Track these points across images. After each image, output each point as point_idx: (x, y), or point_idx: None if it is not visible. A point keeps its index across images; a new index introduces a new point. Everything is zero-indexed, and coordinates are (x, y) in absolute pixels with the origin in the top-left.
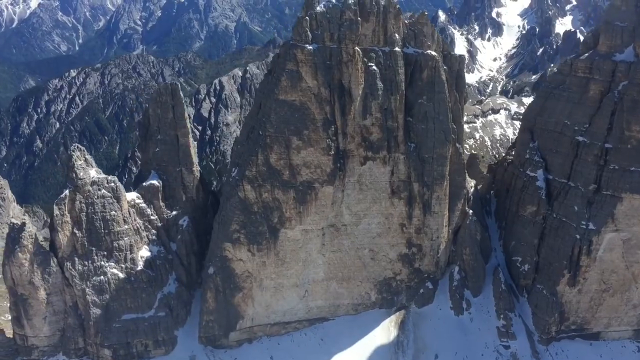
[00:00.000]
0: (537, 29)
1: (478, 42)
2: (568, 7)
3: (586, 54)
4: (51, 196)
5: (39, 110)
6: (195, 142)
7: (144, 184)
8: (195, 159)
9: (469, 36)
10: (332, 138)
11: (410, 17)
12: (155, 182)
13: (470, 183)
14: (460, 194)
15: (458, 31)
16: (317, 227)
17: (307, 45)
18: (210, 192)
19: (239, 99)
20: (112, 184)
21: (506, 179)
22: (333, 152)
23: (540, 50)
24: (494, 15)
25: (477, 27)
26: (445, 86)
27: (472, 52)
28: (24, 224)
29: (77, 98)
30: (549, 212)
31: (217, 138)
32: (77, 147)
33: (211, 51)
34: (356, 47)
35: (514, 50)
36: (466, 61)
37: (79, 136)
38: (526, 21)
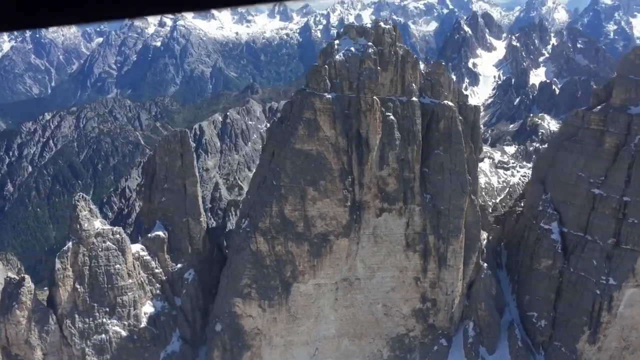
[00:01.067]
0: (513, 80)
1: None
2: (541, 59)
3: (599, 107)
4: (21, 242)
5: (10, 154)
6: None
7: (150, 235)
8: (202, 209)
9: None
10: (349, 189)
11: (426, 67)
12: (160, 233)
13: (483, 235)
14: (474, 247)
15: None
16: (331, 281)
17: (326, 94)
18: (217, 244)
19: (219, 144)
20: (118, 236)
21: (517, 231)
22: (349, 204)
23: (517, 100)
24: (470, 65)
25: (454, 77)
26: (462, 137)
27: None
28: (22, 278)
29: (51, 141)
30: (565, 267)
31: None
32: (82, 196)
33: (186, 96)
34: (375, 97)
35: (491, 99)
36: None
37: (52, 180)
38: (501, 72)
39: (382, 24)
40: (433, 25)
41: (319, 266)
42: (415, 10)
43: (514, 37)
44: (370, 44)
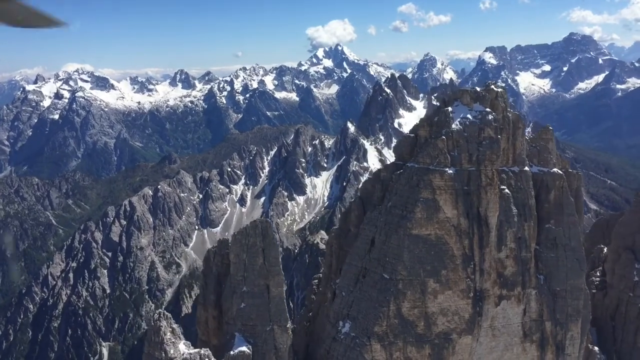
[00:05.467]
0: None
1: (386, 152)
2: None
3: None
4: None
5: None
6: (105, 271)
7: (232, 352)
8: (287, 314)
9: (377, 146)
10: (471, 277)
11: (531, 132)
12: (245, 349)
13: None
14: (585, 329)
15: (367, 141)
16: None
17: (447, 169)
18: (306, 353)
19: (151, 219)
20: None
21: (607, 305)
22: (472, 294)
23: None
24: (396, 125)
25: (382, 137)
26: (574, 208)
27: (383, 161)
28: None
29: None
30: None
31: (131, 264)
32: (164, 314)
33: (90, 169)
34: (494, 169)
35: None
36: None
37: None
38: None
39: (493, 87)
40: (334, 88)
41: None
42: (316, 75)
43: (433, 97)
44: (488, 109)
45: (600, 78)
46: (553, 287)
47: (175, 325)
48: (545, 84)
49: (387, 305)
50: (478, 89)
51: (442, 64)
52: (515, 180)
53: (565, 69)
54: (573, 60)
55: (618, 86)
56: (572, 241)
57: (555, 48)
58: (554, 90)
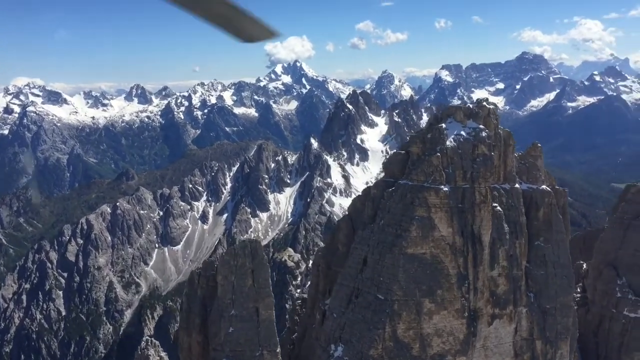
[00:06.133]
0: None
1: (349, 167)
2: None
3: None
4: None
5: None
6: (61, 292)
7: None
8: (277, 338)
9: (340, 162)
10: (466, 296)
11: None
12: None
13: None
14: (572, 347)
15: (330, 157)
16: None
17: (443, 187)
18: None
19: (109, 238)
20: None
21: (590, 321)
22: (466, 314)
23: None
24: (358, 141)
25: (345, 153)
26: (563, 225)
27: (347, 177)
28: None
29: None
30: None
31: (88, 285)
32: (151, 342)
33: (42, 186)
34: (488, 186)
35: (383, 174)
36: (343, 186)
37: None
38: (388, 146)
39: (485, 103)
40: (294, 104)
41: None
42: (275, 90)
43: (395, 113)
44: (481, 126)
45: (551, 96)
46: (543, 305)
47: (163, 354)
48: (499, 102)
49: (382, 327)
50: (471, 105)
51: (399, 81)
52: (507, 198)
53: (518, 87)
54: (525, 79)
55: (569, 104)
56: (561, 258)
57: (509, 67)
58: (507, 107)
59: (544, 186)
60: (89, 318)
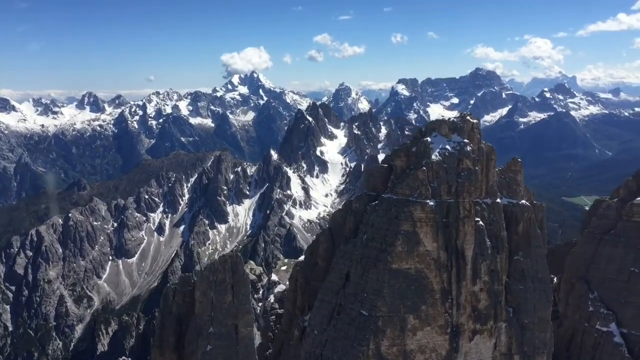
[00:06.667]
0: (363, 166)
1: (308, 179)
2: (379, 145)
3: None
4: None
5: None
6: (8, 306)
7: None
8: (256, 356)
9: (300, 174)
10: (449, 311)
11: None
12: None
13: None
14: None
15: (290, 169)
16: None
17: (428, 201)
18: None
19: (61, 250)
20: None
21: (562, 336)
22: (449, 330)
23: None
24: (318, 153)
25: (304, 165)
26: (542, 240)
27: (307, 189)
28: None
29: None
30: None
31: (37, 299)
32: None
33: None
34: (471, 201)
35: (343, 186)
36: (303, 198)
37: None
38: (347, 159)
39: (469, 117)
40: (251, 115)
41: None
42: (232, 101)
43: (354, 126)
44: (466, 140)
45: (504, 111)
46: (521, 320)
47: None
48: (454, 116)
49: (366, 344)
50: (454, 119)
51: (356, 94)
52: (488, 212)
53: (472, 102)
54: (479, 94)
55: (520, 119)
56: (540, 273)
57: (463, 82)
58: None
59: (523, 201)
60: (38, 333)
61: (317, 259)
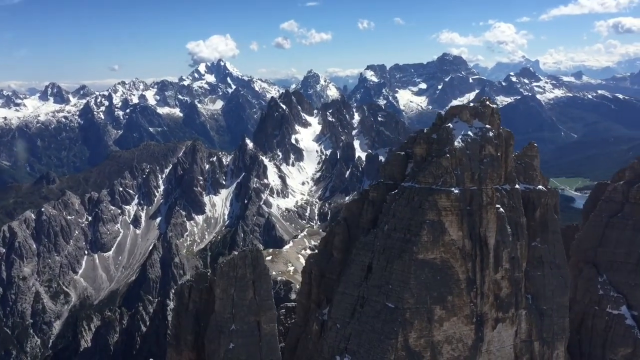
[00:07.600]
0: (339, 153)
1: (284, 168)
2: (354, 132)
3: None
4: None
5: None
6: None
7: None
8: (279, 353)
9: (276, 162)
10: (474, 301)
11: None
12: None
13: None
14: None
15: (266, 158)
16: None
17: (453, 189)
18: None
19: (34, 245)
20: None
21: (572, 319)
22: (475, 319)
23: (348, 172)
24: (293, 141)
25: (280, 154)
26: (558, 226)
27: (283, 177)
28: None
29: None
30: None
31: (13, 296)
32: None
33: None
34: (493, 188)
35: (319, 173)
36: (280, 187)
37: None
38: (322, 146)
39: (489, 102)
40: (219, 104)
41: None
42: (200, 90)
43: (328, 113)
44: (487, 126)
45: (471, 96)
46: (540, 306)
47: None
48: (422, 101)
49: (395, 337)
50: (473, 104)
51: (325, 81)
52: (508, 199)
53: (440, 87)
54: (447, 79)
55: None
56: (557, 259)
57: (430, 67)
58: (430, 107)
59: (540, 186)
60: (15, 331)
61: (333, 250)
